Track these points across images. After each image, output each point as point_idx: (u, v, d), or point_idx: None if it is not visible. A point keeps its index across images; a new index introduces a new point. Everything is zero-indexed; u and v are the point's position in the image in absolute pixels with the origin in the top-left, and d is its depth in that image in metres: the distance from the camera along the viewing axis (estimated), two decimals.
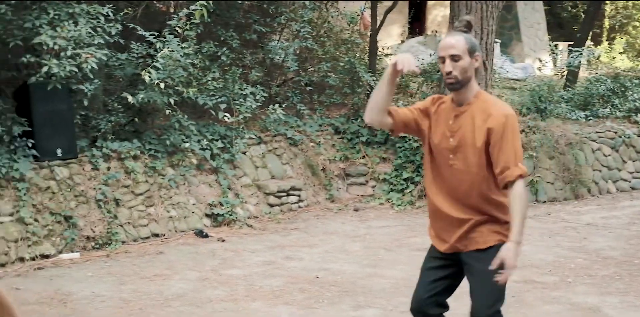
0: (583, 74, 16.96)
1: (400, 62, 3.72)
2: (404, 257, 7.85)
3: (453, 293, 4.06)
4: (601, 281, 7.01)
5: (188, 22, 9.00)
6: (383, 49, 13.95)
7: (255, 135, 10.51)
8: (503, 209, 3.84)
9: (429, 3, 20.99)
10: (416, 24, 20.68)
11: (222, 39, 10.80)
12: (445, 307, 4.07)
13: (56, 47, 7.59)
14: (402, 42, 18.24)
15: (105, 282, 7.01)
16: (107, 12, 8.27)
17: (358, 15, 13.91)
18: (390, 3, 13.72)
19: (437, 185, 3.96)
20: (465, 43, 3.76)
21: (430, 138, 3.96)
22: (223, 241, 8.67)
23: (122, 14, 9.00)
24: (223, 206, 9.40)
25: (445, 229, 3.96)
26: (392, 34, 18.83)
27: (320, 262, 7.75)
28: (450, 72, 3.78)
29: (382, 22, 12.89)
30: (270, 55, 11.69)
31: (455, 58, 3.77)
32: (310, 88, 11.90)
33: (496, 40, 18.59)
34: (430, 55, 13.58)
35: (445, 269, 4.01)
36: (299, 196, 10.41)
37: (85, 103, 8.45)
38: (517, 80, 16.61)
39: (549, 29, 22.72)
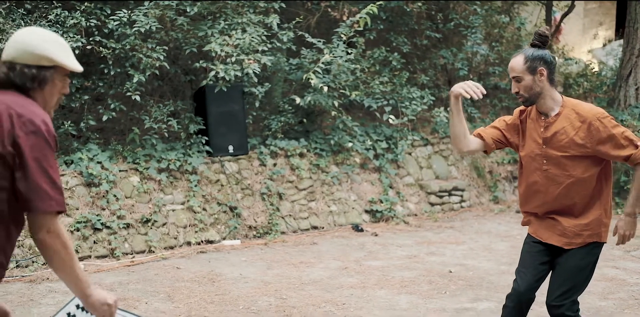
0: None
1: (455, 89, 4.11)
2: None
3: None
4: None
5: (353, 30, 9.58)
6: (563, 53, 13.83)
7: (422, 137, 10.91)
8: (591, 209, 4.14)
9: None
10: None
11: (394, 44, 11.30)
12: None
13: (223, 54, 8.45)
14: (604, 45, 17.84)
15: (255, 266, 7.72)
16: (272, 21, 9.01)
17: (543, 19, 13.88)
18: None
19: (530, 192, 4.26)
20: (523, 62, 4.03)
21: (522, 148, 4.28)
22: (376, 235, 9.16)
23: (294, 22, 9.74)
24: (383, 203, 9.89)
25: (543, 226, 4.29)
26: (599, 36, 18.43)
27: (460, 258, 8.03)
28: (517, 92, 4.12)
29: (557, 26, 12.84)
30: (442, 61, 12.02)
31: (517, 79, 4.08)
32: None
33: None
34: None
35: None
36: (461, 196, 10.68)
37: (257, 104, 9.28)
38: None
39: None
